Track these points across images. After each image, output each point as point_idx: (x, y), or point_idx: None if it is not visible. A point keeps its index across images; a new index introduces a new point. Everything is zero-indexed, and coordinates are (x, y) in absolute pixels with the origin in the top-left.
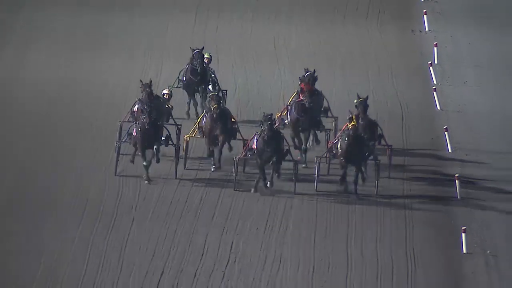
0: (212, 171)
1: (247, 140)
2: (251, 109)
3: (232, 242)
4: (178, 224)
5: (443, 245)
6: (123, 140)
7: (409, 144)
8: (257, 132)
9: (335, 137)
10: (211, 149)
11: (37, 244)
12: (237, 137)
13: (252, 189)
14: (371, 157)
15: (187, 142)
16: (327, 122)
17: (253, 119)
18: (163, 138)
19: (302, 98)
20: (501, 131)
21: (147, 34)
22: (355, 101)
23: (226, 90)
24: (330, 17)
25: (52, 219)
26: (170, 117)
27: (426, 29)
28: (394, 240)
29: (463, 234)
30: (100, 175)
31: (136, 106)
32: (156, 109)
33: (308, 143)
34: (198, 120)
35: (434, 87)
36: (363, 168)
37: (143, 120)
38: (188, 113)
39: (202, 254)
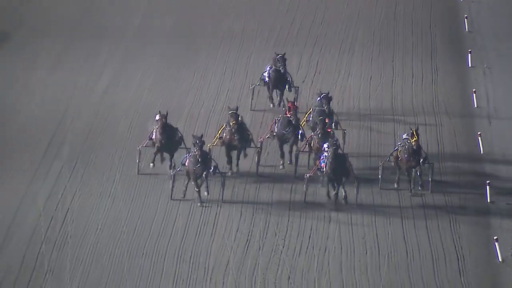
0: (229, 175)
1: (259, 148)
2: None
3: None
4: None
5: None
6: (178, 170)
7: (437, 22)
8: (325, 153)
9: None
10: (228, 155)
11: None
12: (251, 146)
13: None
14: (426, 162)
15: (210, 150)
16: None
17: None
18: (211, 169)
19: (288, 115)
20: None
21: None
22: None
23: (298, 87)
24: None
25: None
26: (182, 142)
27: None
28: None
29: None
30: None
31: (154, 133)
32: (169, 136)
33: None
34: (219, 132)
35: None
36: (418, 173)
37: (195, 153)
38: (272, 103)
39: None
